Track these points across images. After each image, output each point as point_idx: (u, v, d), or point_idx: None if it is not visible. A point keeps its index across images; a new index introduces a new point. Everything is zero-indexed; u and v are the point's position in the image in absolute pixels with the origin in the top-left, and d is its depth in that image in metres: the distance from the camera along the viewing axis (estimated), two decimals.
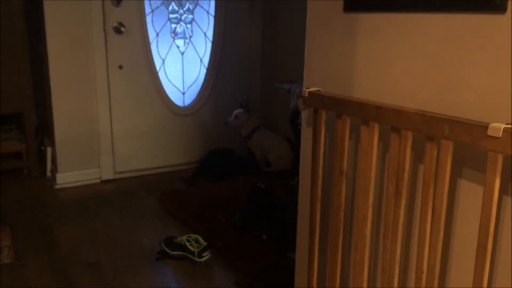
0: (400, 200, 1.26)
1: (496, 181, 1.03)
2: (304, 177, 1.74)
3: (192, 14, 3.73)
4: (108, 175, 3.57)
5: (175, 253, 2.43)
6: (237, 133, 3.76)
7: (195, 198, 3.13)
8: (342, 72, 1.52)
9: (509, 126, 0.99)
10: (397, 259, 1.29)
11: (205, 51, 3.85)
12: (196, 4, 3.73)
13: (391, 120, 1.24)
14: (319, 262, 1.63)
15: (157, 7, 3.56)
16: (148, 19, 3.53)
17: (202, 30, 3.79)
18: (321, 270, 1.65)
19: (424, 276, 1.21)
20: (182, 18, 3.69)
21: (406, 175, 1.24)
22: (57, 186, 3.40)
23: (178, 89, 3.80)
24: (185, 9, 3.68)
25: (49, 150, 3.57)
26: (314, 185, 1.58)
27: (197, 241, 2.43)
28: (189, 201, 3.08)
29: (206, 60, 3.86)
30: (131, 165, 3.66)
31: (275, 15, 3.94)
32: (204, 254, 2.38)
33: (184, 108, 3.83)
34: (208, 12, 3.79)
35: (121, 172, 3.63)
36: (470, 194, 1.19)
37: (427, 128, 1.15)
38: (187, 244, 2.40)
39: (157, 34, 3.60)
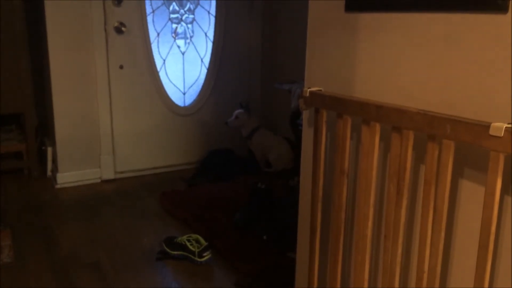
0: (401, 200, 1.26)
1: (498, 181, 1.02)
2: (305, 177, 1.74)
3: (193, 14, 3.73)
4: (108, 175, 3.57)
5: (176, 253, 2.42)
6: (238, 134, 3.76)
7: (195, 198, 3.13)
8: (343, 72, 1.51)
9: (511, 125, 0.98)
10: (398, 259, 1.29)
11: (206, 51, 3.85)
12: (197, 4, 3.73)
13: (392, 119, 1.24)
14: (319, 262, 1.63)
15: (158, 7, 3.56)
16: (149, 19, 3.53)
17: (203, 30, 3.79)
18: (322, 270, 1.65)
19: (425, 276, 1.21)
20: (183, 18, 3.69)
21: (407, 175, 1.24)
22: (58, 186, 3.40)
23: (179, 89, 3.80)
24: (186, 9, 3.69)
25: (49, 150, 3.57)
26: (315, 185, 1.58)
27: (197, 241, 2.42)
28: (189, 201, 3.08)
29: (206, 60, 3.86)
30: (131, 165, 3.66)
31: (275, 15, 3.94)
32: (205, 254, 2.38)
33: (185, 108, 3.83)
34: (209, 12, 3.79)
35: (121, 172, 3.63)
36: (471, 194, 1.19)
37: (429, 128, 1.14)
38: (188, 244, 2.40)
39: (158, 34, 3.60)
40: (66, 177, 3.42)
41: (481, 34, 1.10)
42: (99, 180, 3.53)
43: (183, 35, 3.73)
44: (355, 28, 1.44)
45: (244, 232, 2.64)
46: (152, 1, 3.52)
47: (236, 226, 2.69)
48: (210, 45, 3.84)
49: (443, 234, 1.17)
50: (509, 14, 1.04)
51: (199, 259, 2.37)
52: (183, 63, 3.77)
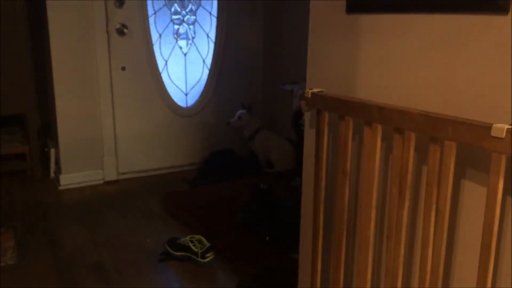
0: (403, 201, 1.26)
1: (500, 182, 1.03)
2: (307, 178, 1.74)
3: (195, 15, 3.74)
4: (111, 176, 3.57)
5: (179, 253, 2.43)
6: (239, 134, 3.77)
7: (198, 199, 3.13)
8: (345, 73, 1.52)
9: None
10: (401, 260, 1.29)
11: (208, 52, 3.85)
12: (199, 5, 3.73)
13: (394, 121, 1.24)
14: (322, 263, 1.63)
15: (160, 8, 3.57)
16: (151, 20, 3.54)
17: (204, 31, 3.80)
18: (325, 271, 1.65)
19: (427, 276, 1.21)
20: (185, 19, 3.70)
21: (409, 176, 1.24)
22: (61, 187, 3.41)
23: (181, 90, 3.81)
24: (187, 10, 3.69)
25: (52, 151, 3.58)
26: (317, 186, 1.58)
27: (200, 242, 2.43)
28: (192, 202, 3.08)
29: (208, 61, 3.86)
30: (134, 166, 3.66)
31: (276, 16, 3.94)
32: (208, 255, 2.38)
33: (187, 109, 3.84)
34: (210, 13, 3.80)
35: (124, 173, 3.63)
36: (473, 195, 1.19)
37: (431, 129, 1.15)
38: (191, 244, 2.40)
39: (160, 35, 3.61)
40: (69, 179, 3.43)
41: (482, 35, 1.11)
42: (101, 182, 3.54)
43: (185, 36, 3.73)
44: (356, 30, 1.44)
45: (246, 233, 2.65)
46: (154, 2, 3.53)
47: (238, 226, 2.69)
48: (212, 46, 3.85)
49: (445, 234, 1.17)
50: (510, 15, 1.04)
51: (202, 260, 2.37)
52: (185, 64, 3.78)
